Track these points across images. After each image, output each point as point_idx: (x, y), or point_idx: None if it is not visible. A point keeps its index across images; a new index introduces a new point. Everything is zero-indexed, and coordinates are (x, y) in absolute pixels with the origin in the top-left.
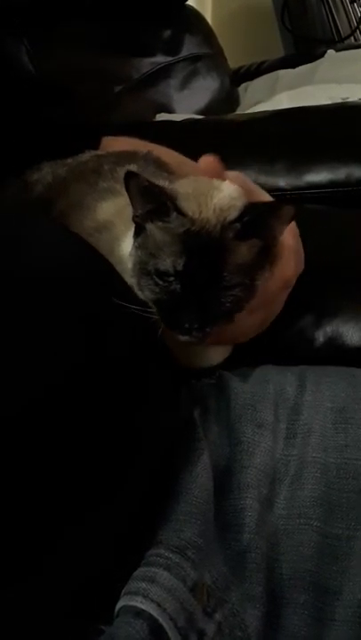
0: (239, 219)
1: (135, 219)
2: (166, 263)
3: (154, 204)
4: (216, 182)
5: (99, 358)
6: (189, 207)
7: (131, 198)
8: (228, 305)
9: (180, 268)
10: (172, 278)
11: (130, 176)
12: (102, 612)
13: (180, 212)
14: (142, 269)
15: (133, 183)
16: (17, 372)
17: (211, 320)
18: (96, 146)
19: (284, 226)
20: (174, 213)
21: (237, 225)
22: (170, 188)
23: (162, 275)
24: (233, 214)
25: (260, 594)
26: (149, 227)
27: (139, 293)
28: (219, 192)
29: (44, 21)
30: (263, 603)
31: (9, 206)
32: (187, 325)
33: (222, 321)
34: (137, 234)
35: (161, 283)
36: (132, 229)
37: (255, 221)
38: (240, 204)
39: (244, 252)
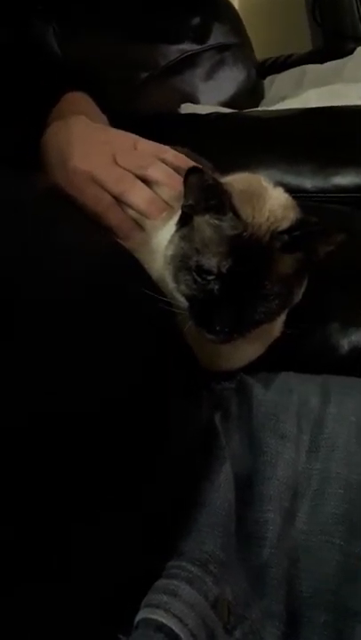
0: (289, 231)
1: (184, 208)
2: (211, 262)
3: (211, 200)
4: (265, 182)
5: (121, 365)
6: (244, 210)
7: (186, 191)
8: (261, 315)
9: (224, 269)
10: (212, 277)
11: (193, 171)
12: (120, 620)
13: (236, 214)
14: (183, 262)
15: (194, 178)
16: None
17: (242, 327)
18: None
19: (330, 249)
20: (230, 214)
21: (286, 237)
22: (225, 183)
23: (203, 272)
24: (284, 225)
25: (279, 612)
26: (198, 219)
27: (172, 286)
28: (270, 195)
29: (73, 5)
30: (283, 621)
31: (39, 201)
32: (218, 327)
33: (252, 329)
34: (182, 224)
35: (200, 280)
36: (168, 221)
37: (304, 238)
38: (292, 215)
39: (287, 263)
